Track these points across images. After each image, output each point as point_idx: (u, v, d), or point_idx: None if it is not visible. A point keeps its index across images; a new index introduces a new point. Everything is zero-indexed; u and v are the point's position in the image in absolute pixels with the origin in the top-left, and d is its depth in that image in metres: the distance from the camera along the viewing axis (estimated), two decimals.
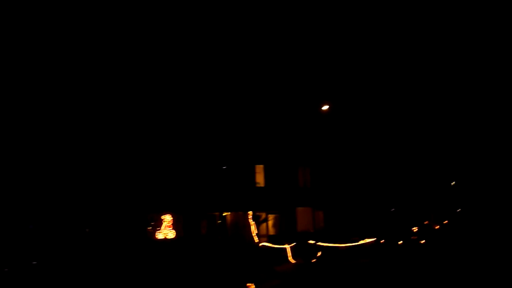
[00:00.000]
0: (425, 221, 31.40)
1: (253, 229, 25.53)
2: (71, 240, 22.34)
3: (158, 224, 24.30)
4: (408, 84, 31.42)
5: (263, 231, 25.85)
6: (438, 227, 31.67)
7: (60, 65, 23.41)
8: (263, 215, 26.08)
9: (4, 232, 21.62)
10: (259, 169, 26.89)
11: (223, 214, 25.88)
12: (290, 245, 23.26)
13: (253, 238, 25.08)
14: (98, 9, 24.13)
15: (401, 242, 26.74)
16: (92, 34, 24.04)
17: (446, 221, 32.27)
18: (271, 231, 26.57)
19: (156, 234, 24.02)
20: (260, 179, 26.86)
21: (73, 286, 17.64)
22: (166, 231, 24.23)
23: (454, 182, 33.69)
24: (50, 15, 23.42)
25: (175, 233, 24.22)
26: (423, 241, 27.90)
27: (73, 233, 22.75)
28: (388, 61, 30.28)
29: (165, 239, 24.04)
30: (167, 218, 24.43)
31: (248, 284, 16.79)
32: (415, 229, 29.51)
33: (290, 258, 22.70)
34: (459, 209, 33.20)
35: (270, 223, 26.82)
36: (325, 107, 23.76)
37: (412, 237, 28.25)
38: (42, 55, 23.21)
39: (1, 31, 22.33)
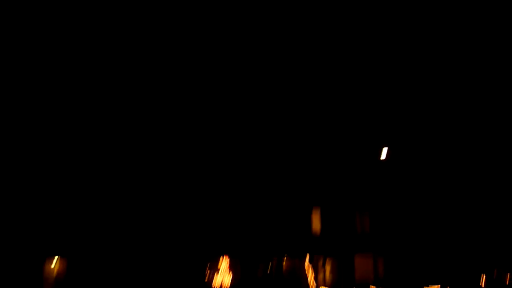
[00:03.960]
0: (493, 269, 29.34)
1: (310, 275, 25.09)
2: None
3: (215, 268, 24.61)
4: (468, 122, 30.00)
5: (320, 278, 25.26)
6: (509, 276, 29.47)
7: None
8: (320, 262, 25.54)
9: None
10: (315, 214, 26.55)
11: (278, 259, 25.73)
12: None
13: (311, 284, 24.59)
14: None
15: None
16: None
17: None
18: (328, 279, 25.86)
19: (213, 278, 24.33)
20: (316, 224, 26.48)
21: None
22: (222, 276, 24.50)
23: None
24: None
25: (231, 278, 24.43)
26: None
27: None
28: (452, 101, 29.21)
29: (221, 285, 24.21)
30: (224, 263, 24.73)
31: None
32: (483, 277, 27.66)
33: None
34: None
35: (327, 270, 26.15)
36: (384, 153, 23.26)
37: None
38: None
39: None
